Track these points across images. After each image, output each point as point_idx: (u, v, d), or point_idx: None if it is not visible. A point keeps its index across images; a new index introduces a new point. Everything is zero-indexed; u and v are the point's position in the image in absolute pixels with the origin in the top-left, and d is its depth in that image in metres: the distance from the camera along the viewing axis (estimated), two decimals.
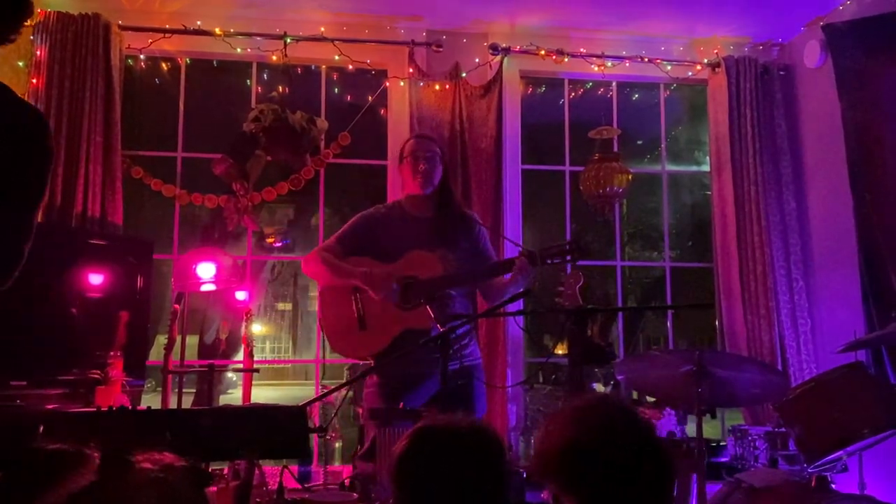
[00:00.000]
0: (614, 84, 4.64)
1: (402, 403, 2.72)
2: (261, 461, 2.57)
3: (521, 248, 2.97)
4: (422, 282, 2.90)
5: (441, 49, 4.27)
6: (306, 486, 3.03)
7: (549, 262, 2.90)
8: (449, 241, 3.02)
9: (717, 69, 4.41)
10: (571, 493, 1.33)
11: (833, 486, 2.90)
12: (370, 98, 4.32)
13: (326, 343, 3.15)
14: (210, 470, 2.70)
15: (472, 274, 3.11)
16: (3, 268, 1.53)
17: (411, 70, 4.22)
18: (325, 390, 3.00)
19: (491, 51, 4.28)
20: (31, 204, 1.60)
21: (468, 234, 3.12)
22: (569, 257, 2.89)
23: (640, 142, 6.80)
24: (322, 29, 4.17)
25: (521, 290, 2.82)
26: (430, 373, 2.83)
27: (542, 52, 4.32)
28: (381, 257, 3.01)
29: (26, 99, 2.22)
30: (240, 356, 4.05)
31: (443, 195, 3.10)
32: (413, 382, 2.87)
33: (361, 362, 3.32)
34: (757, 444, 3.30)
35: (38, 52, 3.82)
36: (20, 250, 1.55)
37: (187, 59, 4.25)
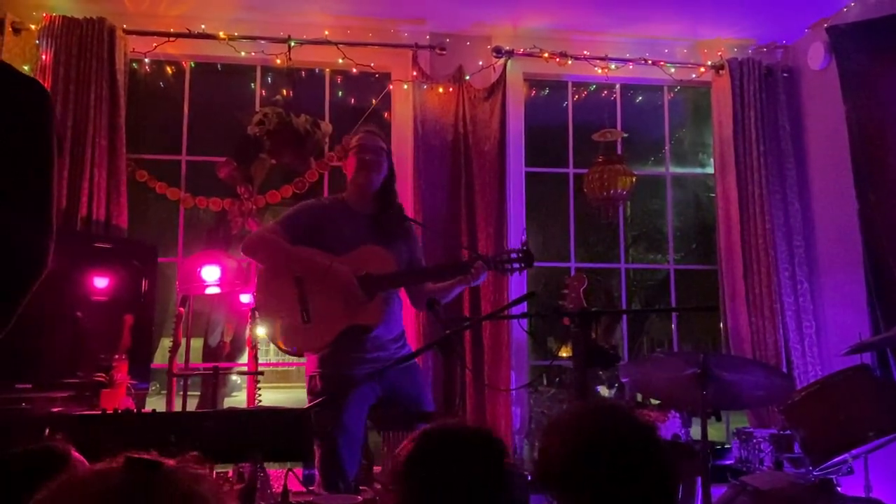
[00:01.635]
0: (618, 86, 4.64)
1: (345, 407, 2.74)
2: (265, 464, 2.57)
3: (475, 253, 3.02)
4: (377, 277, 2.88)
5: (444, 52, 4.27)
6: (311, 488, 3.03)
7: (500, 267, 2.96)
8: (391, 240, 3.00)
9: (720, 71, 4.41)
10: (574, 501, 1.33)
11: (838, 488, 2.89)
12: (374, 101, 4.32)
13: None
14: (215, 473, 2.71)
15: (429, 271, 3.13)
16: (36, 259, 1.51)
17: (415, 73, 4.23)
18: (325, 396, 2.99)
19: (494, 53, 4.29)
20: (42, 189, 1.55)
21: (406, 236, 3.11)
22: (518, 265, 2.94)
23: (643, 144, 6.79)
24: (326, 32, 4.18)
25: (461, 290, 2.96)
26: (371, 374, 2.83)
27: (546, 55, 4.32)
28: (323, 249, 2.92)
29: None
30: (244, 359, 4.06)
31: (385, 194, 3.06)
32: (356, 383, 2.82)
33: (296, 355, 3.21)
34: (762, 446, 3.29)
35: (44, 56, 3.84)
36: (49, 231, 1.53)
37: (191, 63, 4.27)
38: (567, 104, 4.64)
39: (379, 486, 2.37)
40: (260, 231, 3.03)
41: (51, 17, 3.87)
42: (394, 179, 3.12)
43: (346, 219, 2.99)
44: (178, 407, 3.44)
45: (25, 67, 3.89)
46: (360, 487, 2.66)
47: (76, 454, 1.50)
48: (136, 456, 0.87)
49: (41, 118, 1.57)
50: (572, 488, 1.33)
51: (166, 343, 3.63)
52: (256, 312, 2.97)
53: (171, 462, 0.90)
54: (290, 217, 3.00)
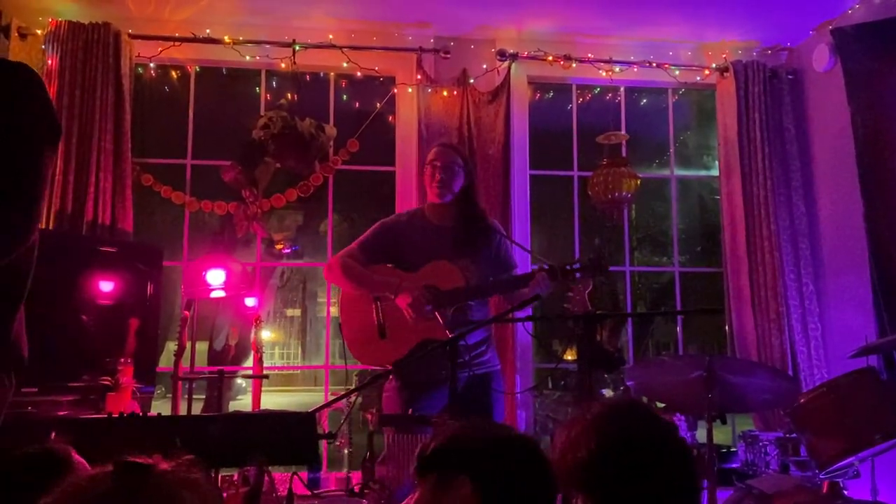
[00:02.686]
0: (622, 89, 4.63)
1: (410, 410, 2.75)
2: (270, 467, 2.57)
3: (541, 262, 3.00)
4: (443, 293, 2.91)
5: (449, 55, 4.28)
6: (316, 492, 3.03)
7: (568, 276, 2.91)
8: (470, 251, 3.03)
9: (725, 74, 4.40)
10: (589, 500, 1.33)
11: (845, 492, 2.88)
12: (378, 105, 4.33)
13: (337, 349, 3.16)
14: (220, 476, 2.71)
15: (492, 287, 3.12)
16: (21, 213, 1.50)
17: (419, 76, 4.23)
18: (335, 396, 3.01)
19: (498, 57, 4.29)
20: (30, 148, 1.54)
21: (489, 244, 3.12)
22: (589, 273, 2.90)
23: (648, 147, 6.79)
24: (330, 36, 4.19)
25: (520, 302, 2.87)
26: (446, 378, 2.84)
27: (550, 58, 4.32)
28: (401, 265, 3.04)
29: None
30: (249, 362, 4.06)
31: (464, 204, 3.09)
32: (429, 388, 2.89)
33: (371, 368, 3.33)
34: (768, 449, 3.28)
35: (50, 61, 3.85)
36: (34, 194, 1.53)
37: (197, 67, 4.28)
38: (571, 107, 4.64)
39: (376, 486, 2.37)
40: (340, 256, 3.12)
41: (57, 22, 3.88)
42: (474, 191, 3.16)
43: (422, 232, 3.06)
44: (183, 410, 3.44)
45: None
46: (365, 491, 2.65)
47: (76, 456, 1.49)
48: (126, 460, 0.88)
49: (26, 102, 1.56)
50: (584, 487, 1.33)
51: (171, 347, 3.64)
52: (344, 333, 3.07)
53: (164, 465, 0.90)
54: (369, 238, 3.12)
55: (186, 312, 3.58)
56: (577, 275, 2.90)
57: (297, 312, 23.68)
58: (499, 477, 1.34)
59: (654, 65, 4.41)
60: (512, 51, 4.29)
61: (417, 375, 2.91)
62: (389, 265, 3.06)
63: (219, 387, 3.57)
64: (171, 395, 3.55)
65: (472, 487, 1.32)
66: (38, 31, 3.94)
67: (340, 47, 4.17)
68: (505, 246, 3.21)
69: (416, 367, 2.88)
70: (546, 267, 2.94)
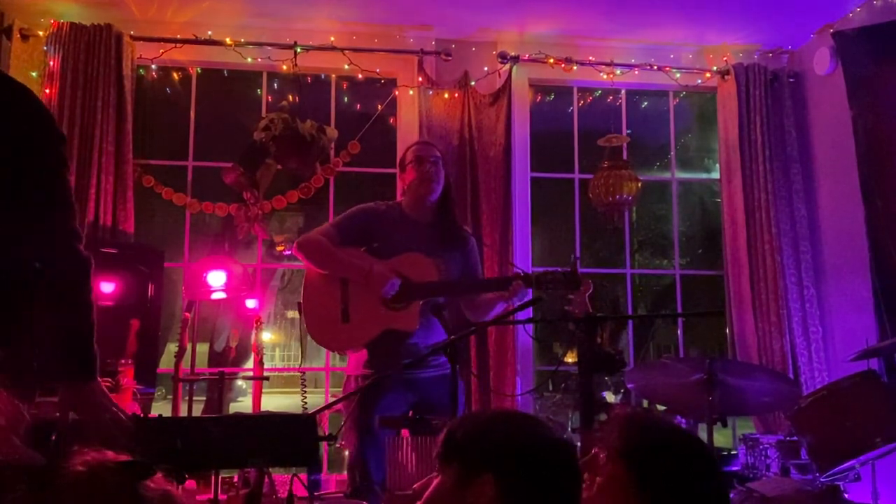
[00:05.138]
0: (623, 92, 4.64)
1: (373, 410, 2.74)
2: (270, 469, 2.57)
3: (518, 270, 3.00)
4: (415, 284, 2.89)
5: (450, 58, 4.28)
6: (316, 494, 3.03)
7: (543, 286, 2.92)
8: (444, 249, 3.01)
9: (726, 77, 4.41)
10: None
11: (846, 495, 2.88)
12: (380, 107, 4.33)
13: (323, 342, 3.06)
14: (220, 478, 2.71)
15: (467, 285, 3.12)
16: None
17: (420, 79, 4.24)
18: (335, 398, 3.00)
19: (500, 59, 4.29)
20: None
21: (462, 247, 3.11)
22: (561, 287, 2.90)
23: (649, 149, 6.79)
24: (332, 38, 4.19)
25: (520, 304, 2.85)
26: (405, 379, 2.84)
27: (551, 61, 4.32)
28: (373, 252, 2.97)
29: None
30: (250, 364, 4.06)
31: (444, 203, 3.09)
32: (389, 389, 2.85)
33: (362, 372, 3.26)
34: (768, 452, 3.28)
35: (51, 63, 3.86)
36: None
37: (198, 69, 4.28)
38: (572, 109, 4.64)
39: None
40: (313, 233, 3.04)
41: (58, 23, 3.89)
42: (451, 188, 3.14)
43: (400, 225, 3.02)
44: (183, 412, 3.44)
45: (33, 74, 3.92)
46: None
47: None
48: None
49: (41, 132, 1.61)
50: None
51: (172, 348, 3.64)
52: (301, 306, 3.00)
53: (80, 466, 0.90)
54: (344, 219, 3.06)
55: (187, 314, 3.58)
56: (550, 286, 2.90)
57: (297, 314, 23.64)
58: (526, 480, 1.26)
59: (655, 67, 4.41)
60: (513, 53, 4.29)
61: (376, 376, 2.84)
62: (361, 249, 2.99)
63: (219, 388, 3.58)
64: (171, 397, 3.55)
65: (496, 488, 1.24)
66: (40, 33, 3.95)
67: (342, 49, 4.18)
68: (475, 253, 3.20)
69: (375, 368, 2.85)
70: (521, 274, 2.95)
